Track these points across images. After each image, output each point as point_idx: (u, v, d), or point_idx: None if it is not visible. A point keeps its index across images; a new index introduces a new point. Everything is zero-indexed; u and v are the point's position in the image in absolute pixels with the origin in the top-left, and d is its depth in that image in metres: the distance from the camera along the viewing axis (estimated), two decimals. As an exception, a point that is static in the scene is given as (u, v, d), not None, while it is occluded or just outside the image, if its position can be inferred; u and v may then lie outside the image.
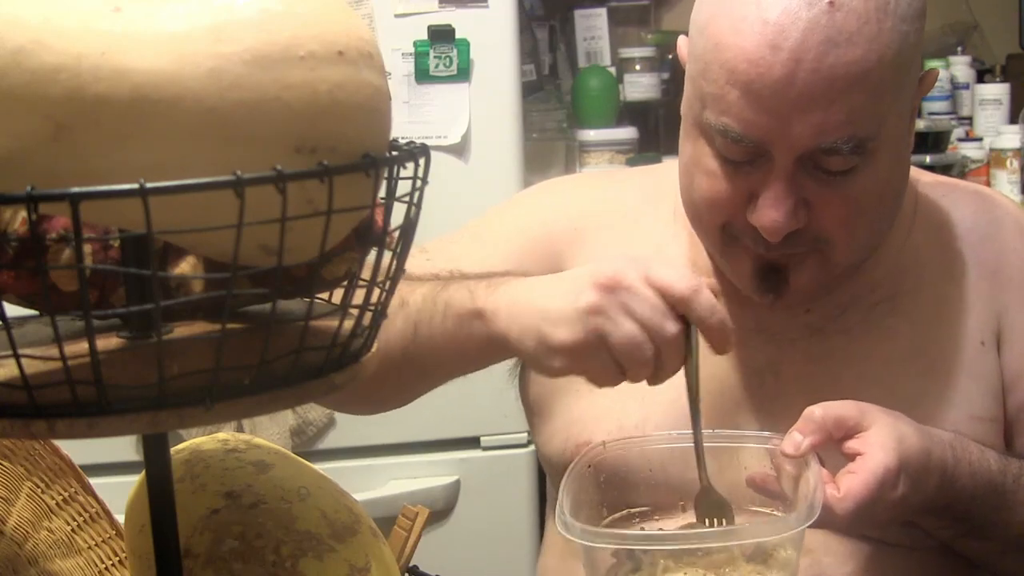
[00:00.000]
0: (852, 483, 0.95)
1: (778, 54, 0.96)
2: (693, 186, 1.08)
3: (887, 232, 1.12)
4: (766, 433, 1.02)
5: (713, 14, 1.02)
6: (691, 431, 0.99)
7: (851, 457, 0.97)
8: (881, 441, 0.97)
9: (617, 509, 1.04)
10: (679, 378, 1.06)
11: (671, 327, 0.92)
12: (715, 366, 1.12)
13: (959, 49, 3.10)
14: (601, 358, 0.94)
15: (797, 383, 1.13)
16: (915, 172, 1.22)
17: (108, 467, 1.82)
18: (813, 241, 1.05)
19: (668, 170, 1.15)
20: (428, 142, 0.99)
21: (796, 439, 0.96)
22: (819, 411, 0.98)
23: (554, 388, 1.19)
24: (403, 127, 2.29)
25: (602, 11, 2.91)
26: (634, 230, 1.22)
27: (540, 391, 1.22)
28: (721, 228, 1.08)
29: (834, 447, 0.98)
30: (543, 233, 1.24)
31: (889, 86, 0.99)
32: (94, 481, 1.00)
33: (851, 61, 0.96)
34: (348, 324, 0.68)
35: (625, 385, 1.11)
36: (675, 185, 1.13)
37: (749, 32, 0.98)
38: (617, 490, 1.04)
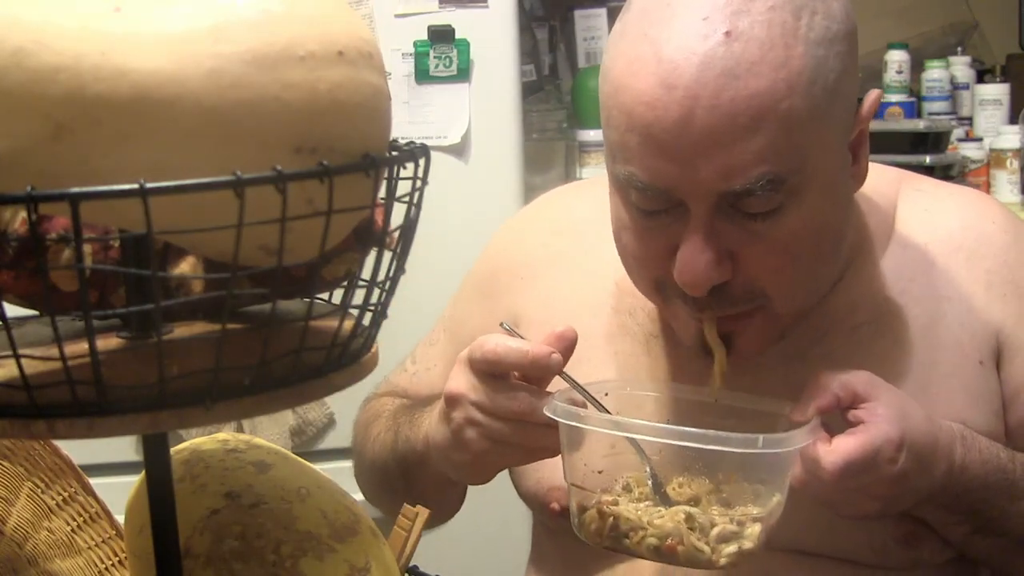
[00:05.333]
0: (846, 441, 0.92)
1: (673, 93, 0.90)
2: (619, 247, 1.03)
3: (833, 273, 1.05)
4: (780, 400, 0.99)
5: (613, 58, 0.96)
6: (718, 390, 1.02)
7: (854, 425, 0.94)
8: (885, 413, 0.94)
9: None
10: (649, 418, 1.04)
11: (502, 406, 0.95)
12: (687, 400, 1.07)
13: (959, 49, 3.10)
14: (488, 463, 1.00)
15: None
16: (899, 177, 1.16)
17: (108, 467, 1.82)
18: (749, 296, 0.98)
19: None
20: (428, 142, 0.98)
21: (804, 403, 0.95)
22: (827, 376, 0.95)
23: None
24: (403, 127, 2.29)
25: (602, 11, 2.91)
26: (591, 260, 1.17)
27: None
28: (655, 290, 1.02)
29: (840, 415, 0.95)
30: (492, 286, 1.23)
31: (805, 117, 0.91)
32: (94, 481, 0.99)
33: (754, 93, 0.89)
34: (348, 324, 0.68)
35: None
36: None
37: (643, 73, 0.91)
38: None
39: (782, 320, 1.02)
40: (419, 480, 1.14)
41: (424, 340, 1.30)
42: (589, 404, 0.96)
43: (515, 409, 0.95)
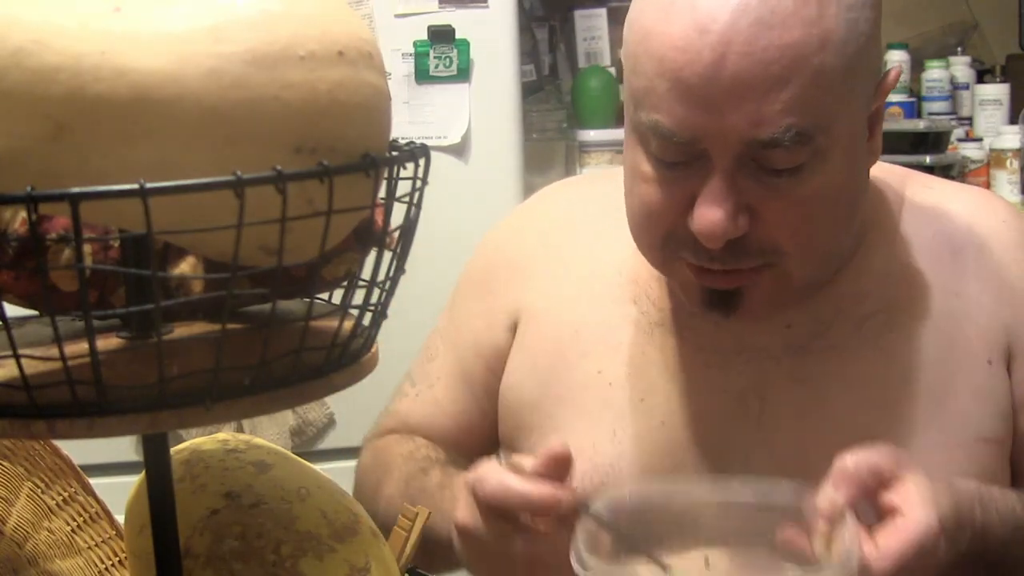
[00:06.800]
0: (891, 542, 0.88)
1: (706, 37, 0.90)
2: (632, 198, 1.01)
3: (845, 245, 1.04)
4: (797, 484, 0.93)
5: (641, 9, 0.97)
6: (724, 480, 0.97)
7: (888, 511, 0.90)
8: (920, 497, 0.89)
9: (636, 553, 0.95)
10: (651, 411, 1.04)
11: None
12: (691, 390, 1.07)
13: (959, 49, 3.11)
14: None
15: (785, 407, 1.05)
16: (906, 174, 1.15)
17: (108, 467, 1.82)
18: (761, 254, 0.97)
19: None
20: (428, 142, 0.98)
21: (831, 494, 0.89)
22: (852, 461, 0.90)
23: (520, 426, 1.15)
24: (403, 127, 2.29)
25: (602, 11, 2.91)
26: (592, 251, 1.16)
27: (506, 430, 1.17)
28: (662, 243, 1.00)
29: (868, 499, 0.91)
30: (491, 284, 1.21)
31: (835, 75, 0.92)
32: (94, 481, 0.99)
33: (787, 44, 0.90)
34: (348, 324, 0.68)
35: (595, 422, 1.08)
36: None
37: (677, 18, 0.92)
38: (638, 536, 0.95)
39: (791, 284, 1.01)
40: (442, 551, 1.10)
41: (419, 359, 1.26)
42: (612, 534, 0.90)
43: (533, 552, 0.91)
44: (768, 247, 0.97)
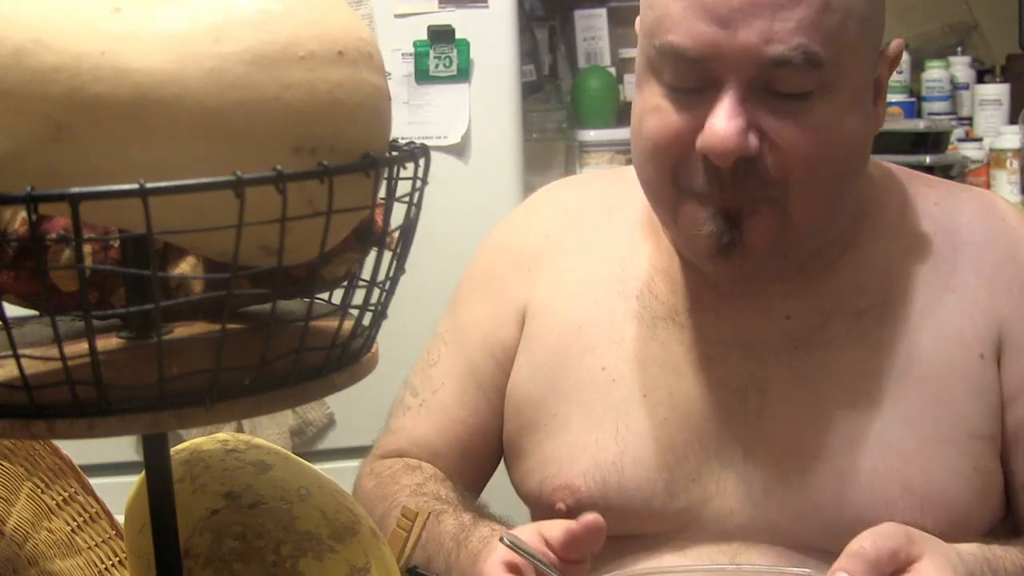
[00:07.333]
0: None
1: None
2: (641, 132, 1.02)
3: (847, 197, 1.05)
4: (804, 571, 0.95)
5: None
6: (717, 565, 0.98)
7: None
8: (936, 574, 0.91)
9: None
10: (654, 407, 1.05)
11: None
12: (693, 384, 1.08)
13: (959, 49, 3.11)
14: None
15: (783, 401, 1.07)
16: (910, 174, 1.16)
17: (108, 467, 1.82)
18: (769, 185, 0.98)
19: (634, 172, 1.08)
20: (428, 142, 0.98)
21: None
22: (869, 546, 0.91)
23: (524, 425, 1.15)
24: (403, 127, 2.29)
25: (602, 11, 2.91)
26: (594, 247, 1.17)
27: (511, 429, 1.17)
28: (672, 179, 1.01)
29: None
30: (497, 283, 1.21)
31: (842, 9, 0.95)
32: (94, 481, 0.99)
33: None
34: (348, 324, 0.68)
35: (598, 419, 1.09)
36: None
37: None
38: None
39: (791, 226, 1.01)
40: None
41: (419, 366, 1.25)
42: None
43: None
44: (774, 177, 0.98)
